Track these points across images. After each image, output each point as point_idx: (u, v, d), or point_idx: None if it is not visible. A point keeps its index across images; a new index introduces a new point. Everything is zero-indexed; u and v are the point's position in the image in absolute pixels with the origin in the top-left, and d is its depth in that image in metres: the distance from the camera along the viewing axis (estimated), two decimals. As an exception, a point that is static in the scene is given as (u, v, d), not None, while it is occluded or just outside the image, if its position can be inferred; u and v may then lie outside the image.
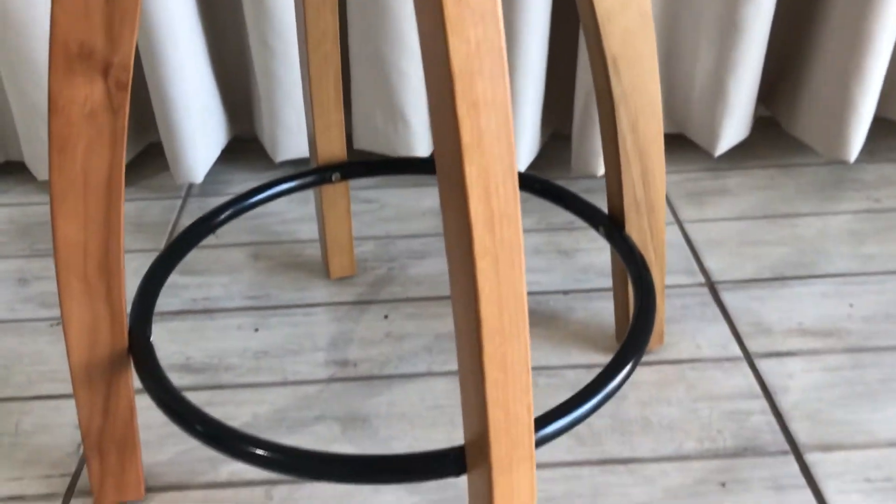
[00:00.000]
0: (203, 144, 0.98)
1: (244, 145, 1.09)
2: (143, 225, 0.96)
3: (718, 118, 0.97)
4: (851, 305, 0.81)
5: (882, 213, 0.94)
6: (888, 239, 0.90)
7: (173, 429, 0.70)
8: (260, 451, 0.49)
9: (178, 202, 1.00)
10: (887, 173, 1.01)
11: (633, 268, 0.62)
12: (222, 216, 0.68)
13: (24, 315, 0.83)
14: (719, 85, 0.95)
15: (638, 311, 0.58)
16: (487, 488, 0.45)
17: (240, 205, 0.69)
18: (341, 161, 0.77)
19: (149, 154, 1.09)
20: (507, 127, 0.38)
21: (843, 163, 1.03)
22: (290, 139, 1.00)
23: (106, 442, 0.59)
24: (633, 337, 0.56)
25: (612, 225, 0.67)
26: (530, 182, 0.73)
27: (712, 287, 0.84)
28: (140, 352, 0.56)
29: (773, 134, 1.09)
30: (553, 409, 0.49)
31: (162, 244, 0.93)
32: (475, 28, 0.36)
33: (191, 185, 1.03)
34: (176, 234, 0.95)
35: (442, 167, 0.40)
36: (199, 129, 0.97)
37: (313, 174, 0.76)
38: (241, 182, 1.04)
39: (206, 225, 0.67)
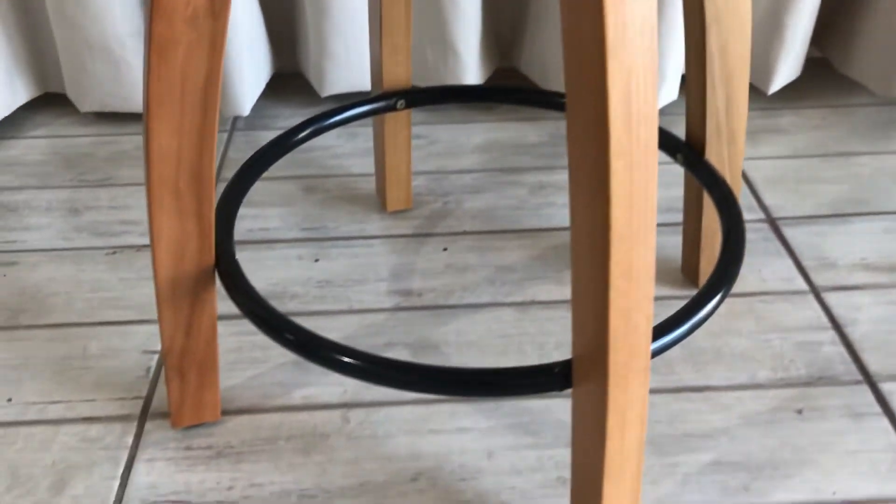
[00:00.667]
0: (249, 76, 0.96)
1: (287, 81, 1.07)
2: (190, 158, 0.95)
3: (774, 56, 0.95)
4: (915, 242, 0.80)
5: (939, 152, 0.93)
6: (947, 178, 0.89)
7: (244, 355, 0.69)
8: (359, 363, 0.48)
9: (225, 136, 0.99)
10: (942, 114, 1.00)
11: (718, 194, 0.61)
12: (301, 135, 0.67)
13: (79, 244, 0.82)
14: (776, 22, 0.94)
15: (727, 235, 0.57)
16: (601, 400, 0.44)
17: (318, 124, 0.68)
18: (406, 88, 0.76)
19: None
20: (651, 21, 0.37)
21: (896, 104, 1.02)
22: (338, 71, 0.98)
23: (187, 362, 0.59)
24: (728, 256, 0.55)
25: (691, 152, 0.66)
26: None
27: (773, 223, 0.83)
28: (227, 267, 0.55)
29: (823, 75, 1.07)
30: (662, 323, 0.49)
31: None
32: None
33: (236, 119, 1.02)
34: (224, 167, 0.93)
35: (573, 66, 0.39)
36: (245, 61, 0.95)
37: (379, 100, 0.75)
38: (288, 117, 1.02)
39: (285, 144, 0.66)
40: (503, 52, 1.05)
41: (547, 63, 0.98)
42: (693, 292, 0.75)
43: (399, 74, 0.75)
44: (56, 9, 0.92)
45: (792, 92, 1.04)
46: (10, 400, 0.65)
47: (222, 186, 0.88)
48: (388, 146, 0.80)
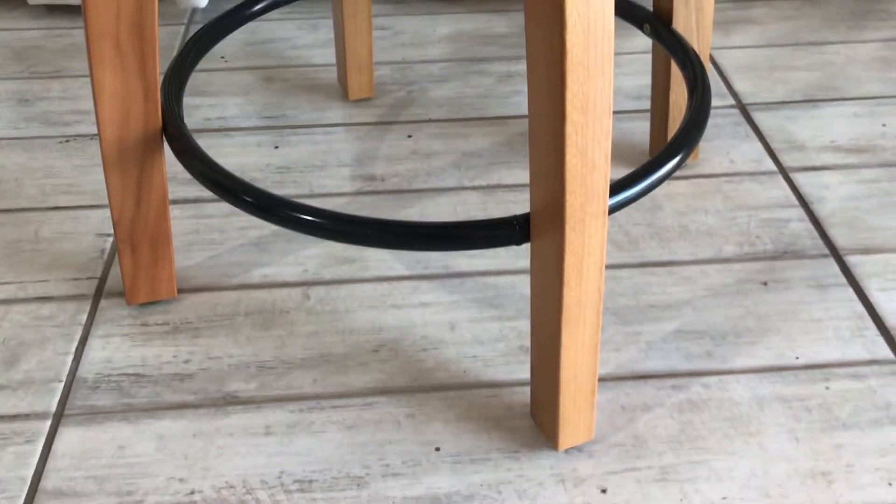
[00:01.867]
0: (206, -34, 0.93)
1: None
2: (146, 51, 0.91)
3: (748, -58, 0.93)
4: (884, 125, 0.79)
5: (912, 40, 0.92)
6: (918, 65, 0.88)
7: (201, 237, 0.68)
8: (318, 220, 0.47)
9: (182, 28, 0.96)
10: (916, 4, 0.98)
11: (683, 58, 0.59)
12: (257, 7, 0.64)
13: (30, 133, 0.79)
14: None
15: (692, 97, 0.56)
16: (558, 247, 0.43)
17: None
18: (365, -36, 0.73)
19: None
20: None
21: (870, -5, 1.00)
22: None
23: (138, 233, 0.57)
24: (692, 118, 0.54)
25: (658, 21, 0.64)
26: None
27: (743, 108, 0.82)
28: (175, 131, 0.53)
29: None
30: (622, 179, 0.48)
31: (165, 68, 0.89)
32: None
33: (194, 11, 0.98)
34: (182, 59, 0.90)
35: None
36: (201, -51, 0.91)
37: (337, -25, 0.72)
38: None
39: (240, 16, 0.63)
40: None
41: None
42: (660, 174, 0.74)
43: (358, -52, 0.72)
44: None
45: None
46: (-41, 282, 0.63)
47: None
48: (348, 31, 0.78)
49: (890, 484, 0.49)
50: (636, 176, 0.48)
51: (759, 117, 0.81)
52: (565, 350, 0.46)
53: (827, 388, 0.55)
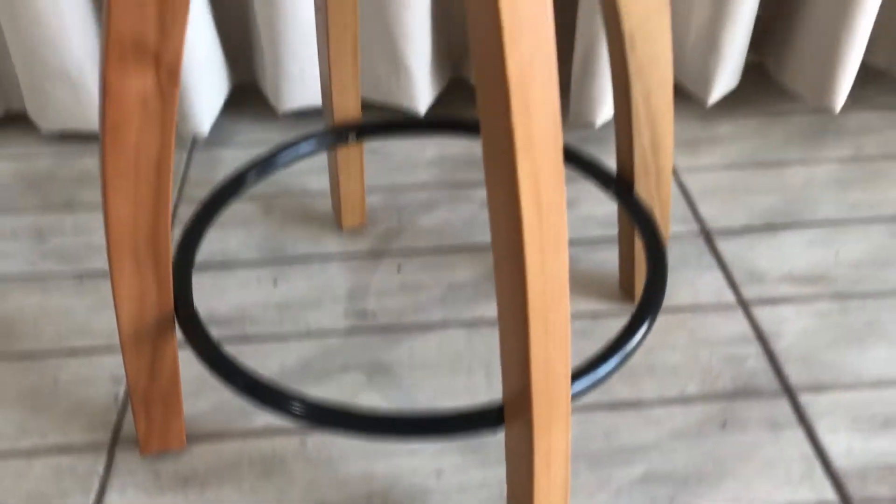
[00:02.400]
0: (207, 95, 0.99)
1: (245, 92, 1.10)
2: (152, 177, 0.98)
3: (711, 70, 1.00)
4: (837, 253, 0.86)
5: (865, 160, 0.98)
6: (871, 186, 0.94)
7: (207, 382, 0.73)
8: (304, 409, 0.53)
9: (185, 154, 1.02)
10: (869, 121, 1.05)
11: (646, 233, 0.66)
12: (251, 175, 0.70)
13: (45, 269, 0.85)
14: (713, 38, 0.98)
15: (651, 276, 0.62)
16: (528, 443, 0.49)
17: (270, 163, 0.72)
18: (356, 120, 0.79)
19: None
20: (552, 83, 0.41)
21: (830, 112, 1.06)
22: (294, 90, 1.01)
23: (152, 399, 0.63)
24: (649, 297, 0.60)
25: (622, 187, 0.70)
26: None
27: (708, 235, 0.88)
28: (185, 314, 0.59)
29: (762, 80, 1.12)
30: (581, 367, 0.54)
31: (173, 195, 0.95)
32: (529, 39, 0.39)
33: (195, 138, 1.05)
34: (186, 186, 0.97)
35: (488, 133, 0.43)
36: (203, 80, 0.98)
37: (330, 135, 0.78)
38: (247, 132, 1.05)
39: (235, 189, 0.69)
40: (455, 63, 1.08)
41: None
42: (630, 307, 0.80)
43: (349, 108, 0.78)
44: (13, 32, 0.94)
45: (731, 99, 1.09)
46: (-15, 432, 0.69)
47: (185, 211, 0.92)
48: (342, 174, 0.84)
49: None
50: (596, 362, 0.54)
51: (722, 245, 0.87)
52: (536, 528, 0.52)
53: (776, 535, 0.61)
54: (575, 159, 0.75)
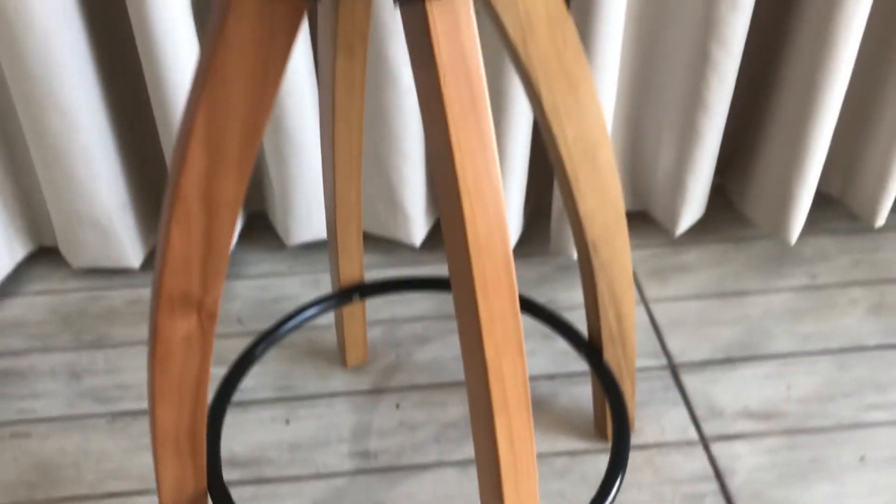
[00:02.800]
0: (223, 235, 1.10)
1: (255, 220, 1.20)
2: (174, 311, 1.08)
3: (678, 206, 1.11)
4: (789, 387, 0.96)
5: (818, 289, 1.09)
6: (823, 317, 1.05)
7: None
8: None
9: (203, 287, 1.12)
10: (824, 248, 1.16)
11: (613, 400, 0.76)
12: (254, 360, 0.81)
13: (82, 411, 0.95)
14: (678, 180, 1.09)
15: (616, 443, 0.72)
16: None
17: (271, 336, 0.83)
18: (360, 282, 0.90)
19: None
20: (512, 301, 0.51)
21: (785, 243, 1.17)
22: (301, 227, 1.12)
23: (186, 556, 0.73)
24: (613, 464, 0.70)
25: (592, 351, 0.81)
26: (528, 306, 0.87)
27: (674, 370, 0.99)
28: (217, 489, 0.69)
29: (727, 203, 1.23)
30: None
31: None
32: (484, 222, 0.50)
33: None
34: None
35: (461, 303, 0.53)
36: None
37: (336, 297, 0.88)
38: (257, 262, 1.16)
39: (244, 364, 0.80)
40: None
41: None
42: (605, 445, 0.90)
43: (354, 272, 0.89)
44: (48, 181, 1.05)
45: (699, 225, 1.20)
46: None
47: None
48: (346, 321, 0.94)
49: None
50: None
51: (687, 380, 0.97)
52: None
53: None
54: (552, 320, 0.85)
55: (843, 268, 1.12)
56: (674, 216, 1.12)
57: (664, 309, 1.07)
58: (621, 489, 0.85)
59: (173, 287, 0.57)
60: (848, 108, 1.12)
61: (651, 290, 1.10)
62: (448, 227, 0.52)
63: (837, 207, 1.22)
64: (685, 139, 1.05)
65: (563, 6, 0.59)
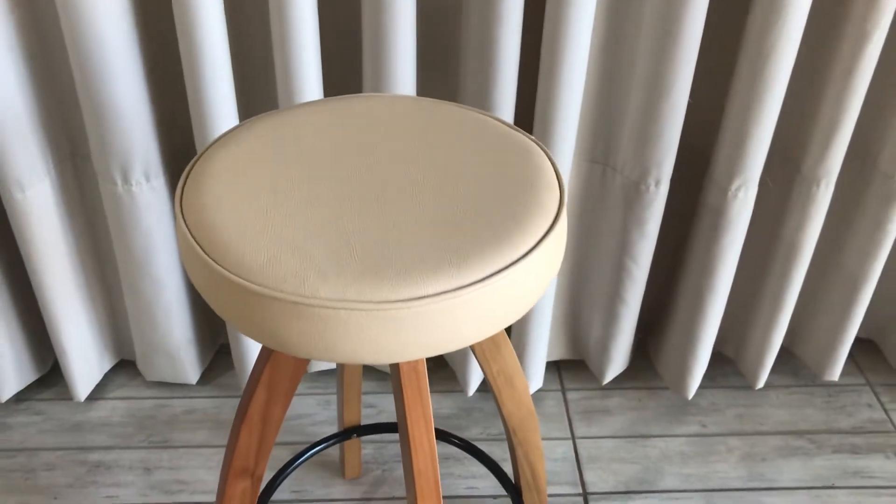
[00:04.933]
0: (260, 364, 1.46)
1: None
2: (221, 422, 1.44)
3: (604, 364, 1.45)
4: (668, 518, 1.30)
5: (705, 437, 1.43)
6: (704, 461, 1.39)
7: None
8: None
9: (242, 402, 1.48)
10: (717, 401, 1.50)
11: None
12: (283, 474, 1.16)
13: (152, 500, 1.31)
14: (604, 346, 1.44)
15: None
16: None
17: (283, 475, 1.18)
18: (358, 424, 1.26)
19: (223, 353, 1.56)
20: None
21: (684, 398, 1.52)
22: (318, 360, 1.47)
23: None
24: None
25: (516, 493, 1.16)
26: (474, 451, 1.22)
27: (586, 498, 1.33)
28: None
29: (648, 356, 1.57)
30: None
31: (233, 438, 1.41)
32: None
33: (250, 389, 1.51)
34: (242, 429, 1.43)
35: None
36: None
37: (340, 435, 1.24)
38: (284, 384, 1.51)
39: (274, 483, 1.15)
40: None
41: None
42: (526, 553, 1.25)
43: (353, 417, 1.25)
44: (132, 317, 1.41)
45: (624, 373, 1.54)
46: None
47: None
48: (346, 446, 1.30)
49: None
50: None
51: (594, 506, 1.32)
52: None
53: None
54: (488, 463, 1.20)
55: (728, 420, 1.46)
56: (601, 369, 1.47)
57: (586, 445, 1.42)
58: (533, 589, 1.19)
59: (238, 465, 0.93)
60: (737, 288, 1.47)
61: (579, 429, 1.44)
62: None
63: (732, 367, 1.56)
64: (608, 320, 1.40)
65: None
